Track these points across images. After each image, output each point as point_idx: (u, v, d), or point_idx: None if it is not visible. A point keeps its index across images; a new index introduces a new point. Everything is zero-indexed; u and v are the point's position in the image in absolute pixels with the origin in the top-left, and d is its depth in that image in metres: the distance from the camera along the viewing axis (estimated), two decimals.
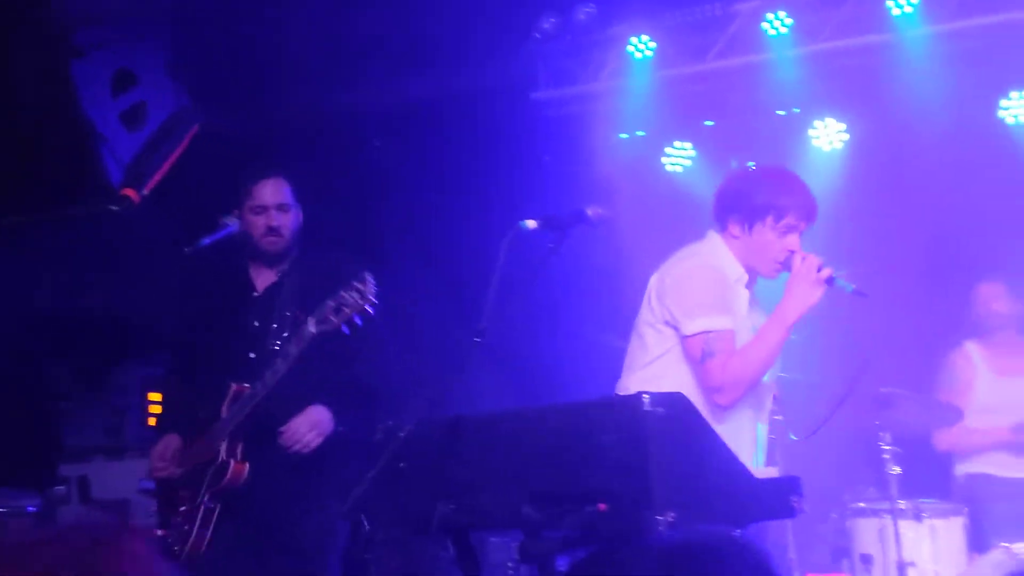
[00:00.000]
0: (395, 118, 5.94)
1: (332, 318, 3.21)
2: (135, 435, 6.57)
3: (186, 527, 3.48)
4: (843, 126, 5.86)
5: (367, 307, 3.16)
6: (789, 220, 2.96)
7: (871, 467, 4.54)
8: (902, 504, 4.29)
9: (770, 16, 5.43)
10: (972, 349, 4.92)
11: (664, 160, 6.22)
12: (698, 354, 2.88)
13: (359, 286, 3.17)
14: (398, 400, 3.70)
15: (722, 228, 3.09)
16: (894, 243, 5.69)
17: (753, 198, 3.01)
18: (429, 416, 2.45)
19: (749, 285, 3.09)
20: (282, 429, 3.51)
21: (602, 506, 2.03)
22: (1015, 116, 5.66)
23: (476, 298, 2.68)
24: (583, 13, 5.55)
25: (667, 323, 2.97)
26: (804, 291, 2.86)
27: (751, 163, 4.56)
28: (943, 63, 5.35)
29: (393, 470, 2.35)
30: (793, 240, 2.97)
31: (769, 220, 2.95)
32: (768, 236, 2.96)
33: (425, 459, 2.39)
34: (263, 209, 3.64)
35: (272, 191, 3.66)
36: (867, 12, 5.39)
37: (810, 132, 5.95)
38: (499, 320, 2.51)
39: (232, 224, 3.70)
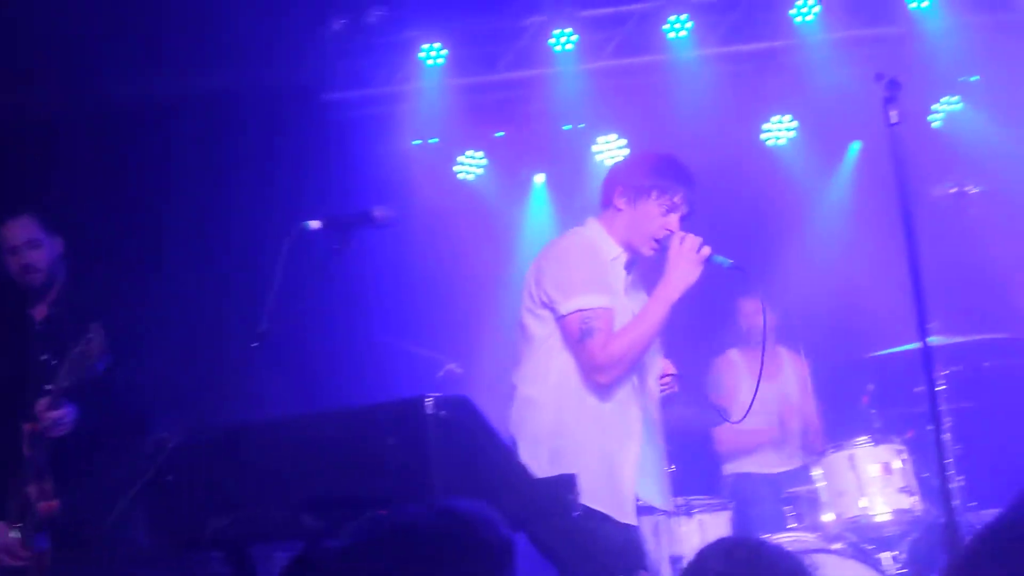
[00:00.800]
0: (178, 115, 5.64)
1: (78, 367, 3.26)
2: None
3: None
4: (624, 142, 6.12)
5: (97, 363, 3.22)
6: (673, 199, 3.03)
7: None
8: (678, 500, 4.51)
9: (556, 32, 5.61)
10: (735, 356, 5.28)
11: (456, 168, 6.27)
12: (576, 333, 2.88)
13: (89, 339, 3.21)
14: (171, 413, 3.56)
15: (606, 203, 3.12)
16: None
17: (642, 173, 3.09)
18: (202, 425, 2.32)
19: (628, 267, 3.14)
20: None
21: (383, 512, 1.98)
22: (775, 139, 6.13)
23: (259, 301, 2.58)
24: (374, 15, 5.50)
25: (544, 305, 2.96)
26: (684, 269, 2.93)
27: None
28: (713, 85, 5.72)
29: (160, 483, 2.21)
30: (673, 220, 3.03)
31: (654, 195, 3.02)
32: (651, 211, 3.02)
33: (197, 470, 2.26)
34: (14, 250, 3.71)
35: (20, 231, 3.72)
36: (646, 33, 5.67)
37: (594, 147, 6.18)
38: (282, 323, 2.43)
39: None
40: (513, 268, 6.07)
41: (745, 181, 6.00)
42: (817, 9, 5.52)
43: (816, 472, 4.45)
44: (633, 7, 5.68)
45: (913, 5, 5.55)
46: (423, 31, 5.70)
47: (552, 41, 5.64)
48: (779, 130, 6.11)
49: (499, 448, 2.22)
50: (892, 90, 2.48)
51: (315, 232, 2.53)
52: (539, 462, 2.71)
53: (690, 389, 5.09)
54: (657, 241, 3.03)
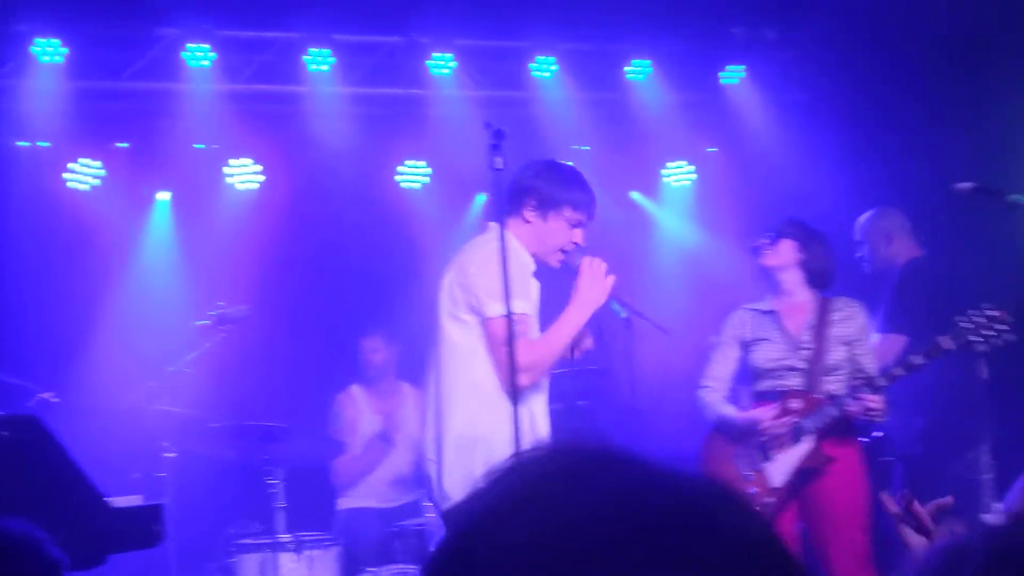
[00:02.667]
0: None
1: None
2: None
3: None
4: (259, 168, 5.99)
5: None
6: (580, 215, 3.12)
7: (259, 502, 4.63)
8: (284, 537, 4.43)
9: (192, 46, 5.38)
10: (357, 392, 5.33)
11: (67, 176, 5.73)
12: (502, 335, 2.88)
13: None
14: None
15: (514, 213, 3.13)
16: (297, 289, 5.95)
17: (557, 187, 3.13)
18: None
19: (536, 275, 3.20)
20: None
21: None
22: (409, 182, 6.34)
23: None
24: None
25: (471, 308, 2.97)
26: (597, 291, 3.03)
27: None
28: (353, 123, 5.80)
29: None
30: (579, 234, 3.12)
31: (567, 210, 3.09)
32: (560, 225, 3.08)
33: None
34: None
35: None
36: (288, 62, 5.62)
37: (226, 169, 5.98)
38: None
39: None
40: (122, 288, 5.67)
41: (380, 220, 6.13)
42: (454, 64, 5.83)
43: (429, 503, 4.57)
44: (277, 35, 5.61)
45: (536, 74, 6.06)
46: (39, 25, 5.18)
47: (187, 55, 5.40)
48: (413, 174, 6.32)
49: (70, 470, 2.03)
50: (497, 138, 2.68)
51: None
52: (449, 461, 2.86)
53: (307, 423, 5.08)
54: (565, 254, 3.14)
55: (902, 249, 4.48)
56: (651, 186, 6.63)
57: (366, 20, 5.65)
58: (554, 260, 3.20)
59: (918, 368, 3.66)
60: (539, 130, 6.18)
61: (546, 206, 3.10)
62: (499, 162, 2.65)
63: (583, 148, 6.53)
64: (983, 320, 3.57)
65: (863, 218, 4.60)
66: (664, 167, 6.60)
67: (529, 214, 3.13)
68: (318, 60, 5.60)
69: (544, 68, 6.03)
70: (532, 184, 3.17)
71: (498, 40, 5.98)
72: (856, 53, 5.91)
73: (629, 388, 4.98)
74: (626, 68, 6.21)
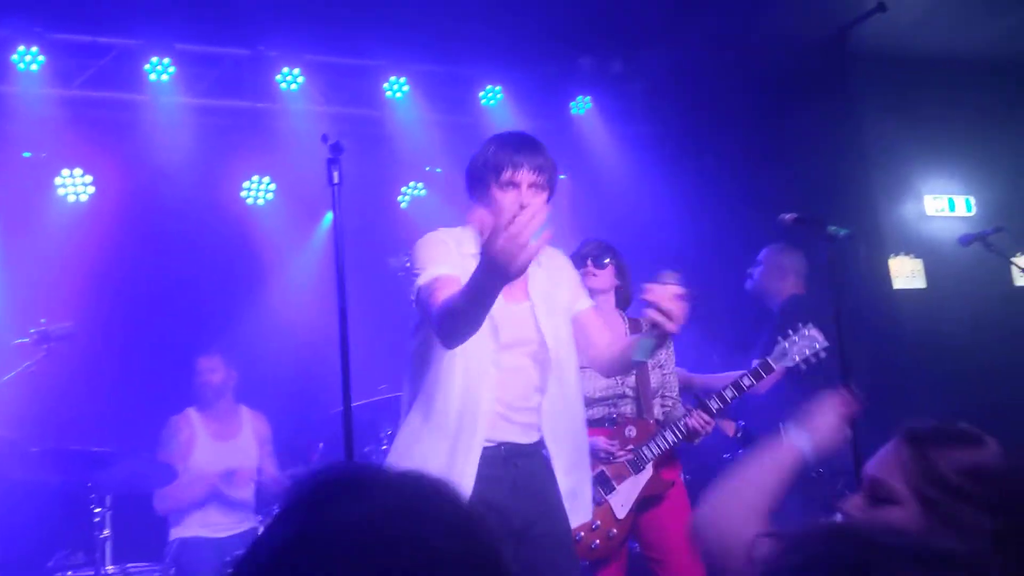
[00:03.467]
0: None
1: None
2: None
3: None
4: (90, 179, 5.71)
5: None
6: (506, 175, 2.75)
7: (83, 531, 4.36)
8: (110, 569, 4.19)
9: (21, 49, 5.09)
10: (193, 415, 5.11)
11: None
12: (422, 303, 2.70)
13: None
14: None
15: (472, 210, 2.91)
16: (129, 306, 5.67)
17: (473, 164, 2.85)
18: None
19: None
20: None
21: None
22: (255, 198, 6.18)
23: None
24: None
25: (412, 303, 2.78)
26: (499, 249, 2.25)
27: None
28: (197, 136, 5.60)
29: None
30: (511, 196, 2.72)
31: (491, 180, 2.76)
32: (496, 197, 2.75)
33: None
34: None
35: None
36: (127, 69, 5.39)
37: (57, 180, 5.67)
38: None
39: None
40: None
41: (222, 236, 5.94)
42: (301, 79, 5.73)
43: None
44: (115, 40, 5.37)
45: (388, 94, 6.03)
46: None
47: (15, 58, 5.10)
48: (258, 190, 6.17)
49: None
50: (335, 152, 2.63)
51: None
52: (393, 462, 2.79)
53: (136, 448, 4.82)
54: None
55: (788, 286, 4.74)
56: None
57: (213, 31, 5.50)
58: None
59: (747, 389, 3.81)
60: (392, 150, 6.16)
61: (476, 187, 2.83)
62: (336, 176, 2.60)
63: (436, 170, 6.55)
64: (802, 339, 3.79)
65: (761, 252, 4.84)
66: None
67: (475, 205, 2.88)
68: (159, 69, 5.39)
69: (397, 88, 6.02)
70: (466, 177, 2.92)
71: (349, 58, 5.93)
72: (694, 89, 6.17)
73: None
74: (480, 93, 6.28)
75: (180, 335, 5.52)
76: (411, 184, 6.61)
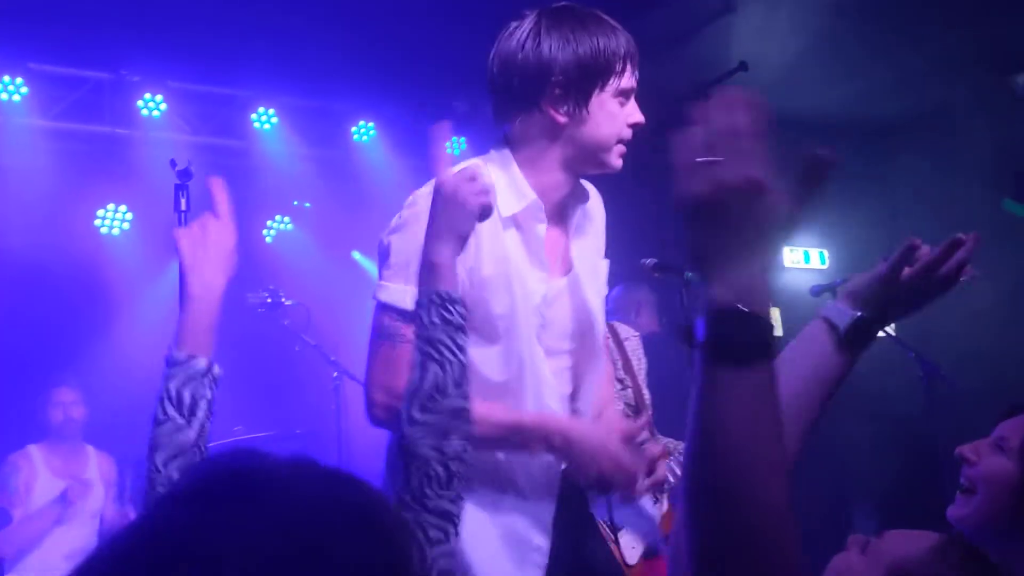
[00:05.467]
0: None
1: None
2: None
3: None
4: None
5: None
6: (629, 76, 1.95)
7: None
8: None
9: None
10: (34, 453, 4.79)
11: None
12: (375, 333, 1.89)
13: None
14: None
15: (529, 120, 1.98)
16: None
17: (581, 56, 1.91)
18: None
19: (546, 217, 2.02)
20: None
21: None
22: (108, 227, 5.89)
23: None
24: None
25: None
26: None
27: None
28: (49, 160, 5.33)
29: None
30: (634, 106, 1.98)
31: (612, 83, 1.93)
32: (611, 108, 1.95)
33: None
34: None
35: None
36: None
37: None
38: None
39: None
40: None
41: (73, 265, 5.64)
42: (164, 106, 5.54)
43: None
44: None
45: (256, 125, 5.89)
46: None
47: None
48: (114, 219, 5.89)
49: None
50: (184, 178, 2.52)
51: None
52: None
53: None
54: (626, 143, 2.07)
55: (646, 321, 4.77)
56: (373, 246, 6.60)
57: (71, 51, 5.25)
58: (615, 159, 2.02)
59: None
60: (258, 182, 6.00)
61: (581, 90, 1.93)
62: (183, 203, 2.48)
63: (304, 204, 6.41)
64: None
65: (614, 291, 4.85)
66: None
67: (559, 115, 1.95)
68: (11, 89, 5.11)
69: (265, 120, 5.89)
70: (541, 69, 1.93)
71: (216, 86, 5.77)
72: None
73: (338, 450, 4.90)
74: (352, 128, 6.20)
75: (24, 368, 5.19)
76: (277, 218, 6.45)
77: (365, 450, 4.28)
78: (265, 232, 6.44)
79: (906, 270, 1.39)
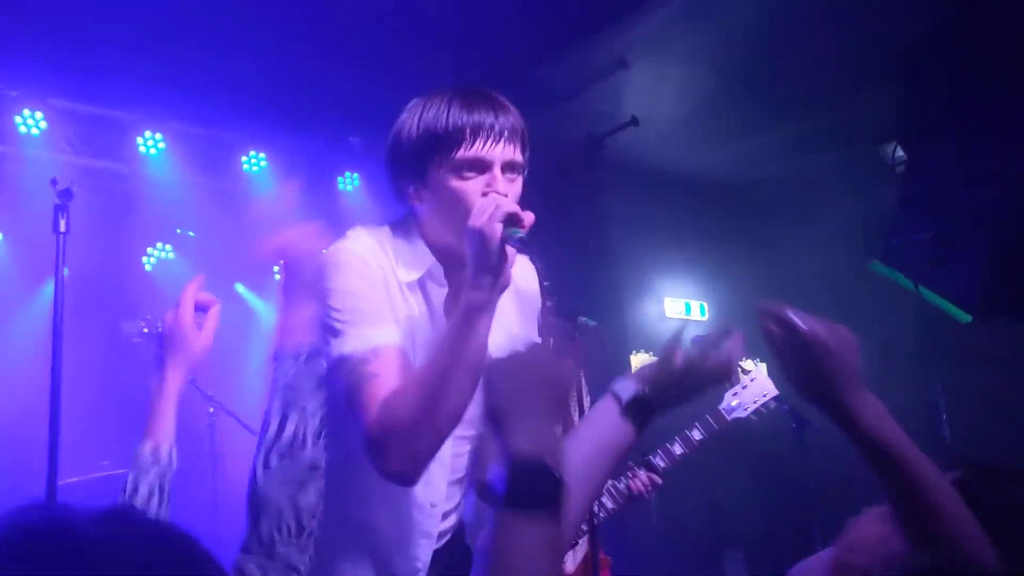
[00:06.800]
0: None
1: None
2: None
3: None
4: None
5: None
6: (466, 150, 1.85)
7: None
8: None
9: None
10: None
11: None
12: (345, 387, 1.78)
13: None
14: None
15: (405, 204, 1.97)
16: None
17: (406, 136, 1.90)
18: None
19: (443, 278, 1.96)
20: None
21: None
22: None
23: None
24: None
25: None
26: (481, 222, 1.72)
27: None
28: None
29: None
30: (479, 181, 1.86)
31: (445, 160, 1.86)
32: (451, 183, 1.86)
33: None
34: None
35: None
36: None
37: None
38: None
39: None
40: None
41: None
42: (44, 124, 5.34)
43: None
44: None
45: (142, 149, 5.73)
46: None
47: None
48: None
49: None
50: (64, 198, 2.44)
51: None
52: None
53: None
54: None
55: None
56: (257, 279, 6.47)
57: None
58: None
59: (698, 444, 3.70)
60: (141, 207, 5.82)
61: (417, 169, 1.91)
62: (63, 225, 2.39)
63: (188, 233, 6.23)
64: (754, 384, 3.73)
65: None
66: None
67: (413, 195, 1.95)
68: None
69: (152, 144, 5.73)
70: (392, 157, 1.97)
71: (101, 107, 5.58)
72: None
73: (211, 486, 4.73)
74: (243, 158, 6.10)
75: None
76: (159, 245, 6.25)
77: (238, 487, 4.15)
78: (145, 259, 6.23)
79: (679, 357, 1.52)
